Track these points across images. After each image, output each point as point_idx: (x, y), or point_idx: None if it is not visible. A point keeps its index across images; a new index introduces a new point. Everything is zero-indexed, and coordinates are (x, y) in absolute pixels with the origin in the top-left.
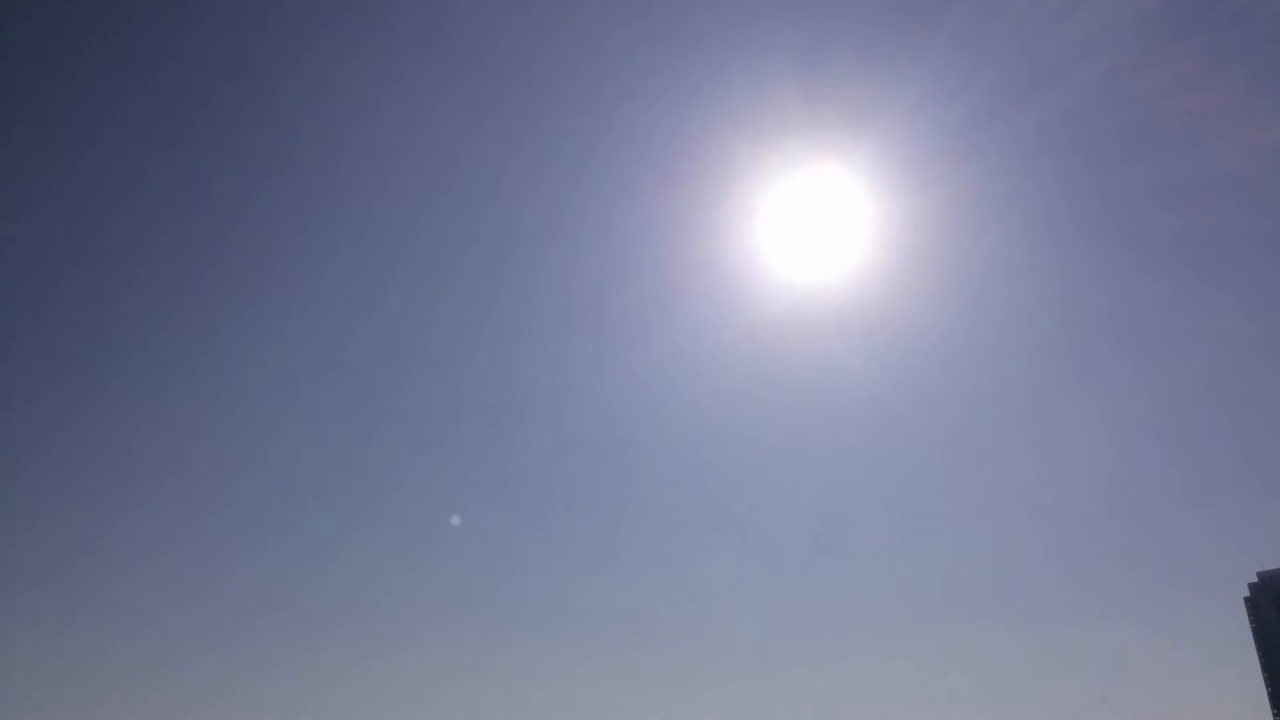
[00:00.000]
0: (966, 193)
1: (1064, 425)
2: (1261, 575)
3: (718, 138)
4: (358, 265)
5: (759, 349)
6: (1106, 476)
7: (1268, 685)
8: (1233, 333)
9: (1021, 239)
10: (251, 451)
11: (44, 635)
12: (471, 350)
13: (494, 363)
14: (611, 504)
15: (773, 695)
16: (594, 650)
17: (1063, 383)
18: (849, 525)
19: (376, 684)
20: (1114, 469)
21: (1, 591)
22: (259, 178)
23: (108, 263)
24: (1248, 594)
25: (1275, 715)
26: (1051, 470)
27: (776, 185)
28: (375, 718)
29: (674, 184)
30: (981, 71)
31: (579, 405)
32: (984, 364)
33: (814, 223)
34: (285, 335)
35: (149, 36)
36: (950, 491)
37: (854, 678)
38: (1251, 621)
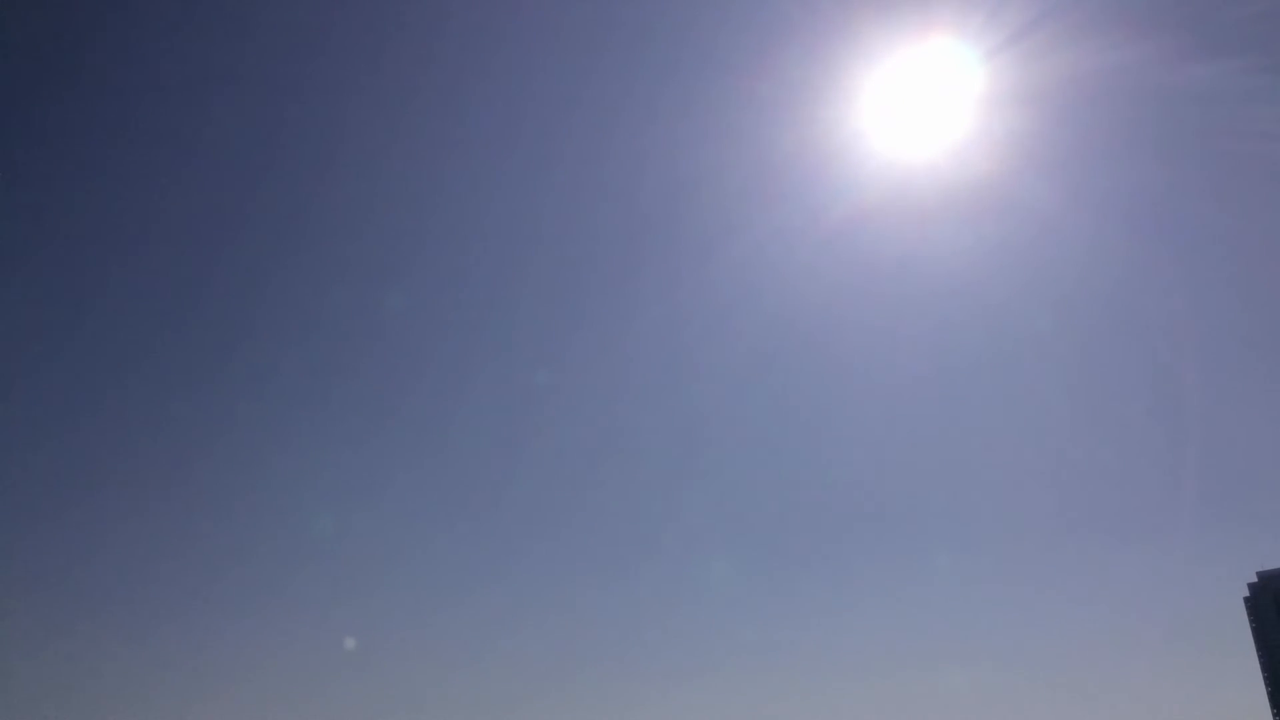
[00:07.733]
0: (1087, 61)
1: (1066, 419)
2: (1261, 575)
3: (814, 8)
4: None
5: (859, 234)
6: (1106, 475)
7: (1268, 685)
8: (1234, 330)
9: (1146, 114)
10: (258, 455)
11: (46, 639)
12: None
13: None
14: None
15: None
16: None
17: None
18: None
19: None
20: (1113, 468)
21: (4, 595)
22: (262, 176)
23: (113, 267)
24: (1248, 594)
25: (1275, 715)
26: (1050, 469)
27: (879, 60)
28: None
29: (766, 62)
30: None
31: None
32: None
33: (919, 100)
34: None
35: (146, 31)
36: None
37: (855, 676)
38: (1251, 621)
